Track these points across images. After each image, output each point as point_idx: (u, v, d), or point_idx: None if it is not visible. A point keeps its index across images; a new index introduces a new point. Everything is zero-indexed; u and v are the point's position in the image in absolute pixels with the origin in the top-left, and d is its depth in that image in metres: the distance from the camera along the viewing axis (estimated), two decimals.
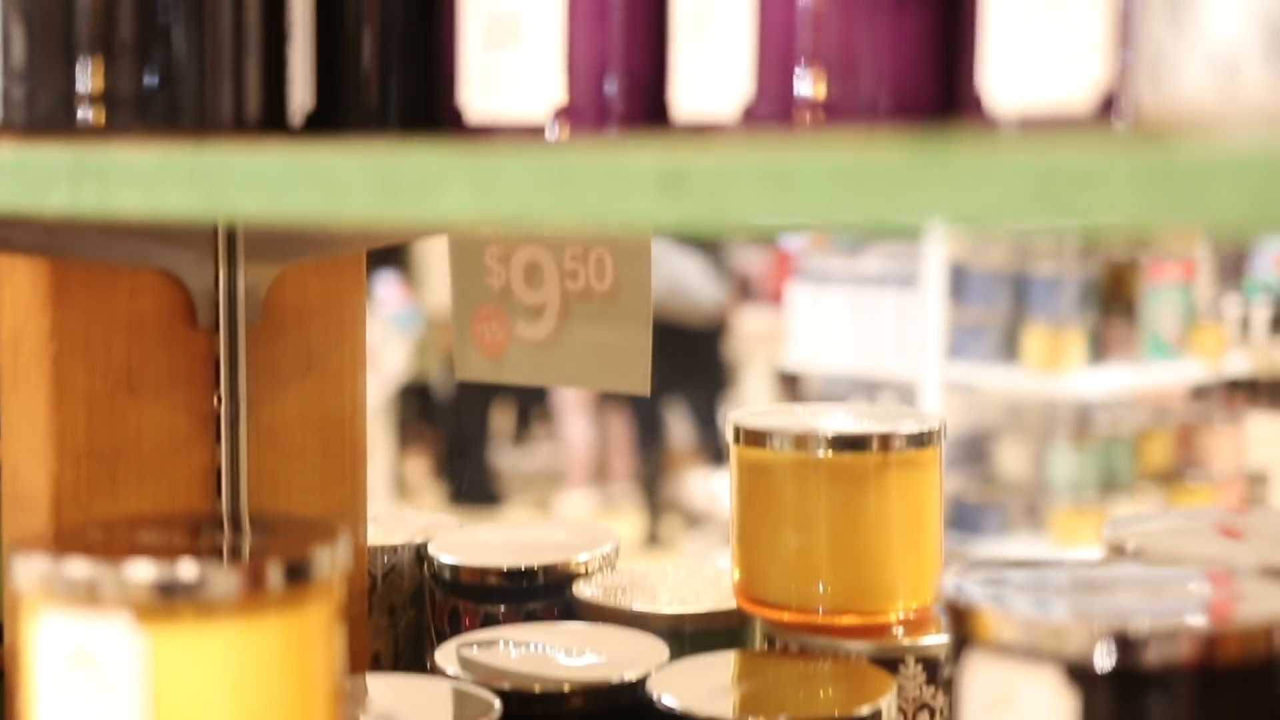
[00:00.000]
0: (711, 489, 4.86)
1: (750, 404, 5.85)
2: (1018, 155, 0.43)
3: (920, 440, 1.03)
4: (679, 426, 6.52)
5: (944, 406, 4.03)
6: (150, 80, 0.70)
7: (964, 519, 4.01)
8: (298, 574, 0.67)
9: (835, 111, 0.67)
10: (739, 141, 0.66)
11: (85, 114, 0.68)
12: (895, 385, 4.17)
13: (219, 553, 0.69)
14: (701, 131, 0.69)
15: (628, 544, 6.41)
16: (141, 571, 0.65)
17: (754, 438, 1.04)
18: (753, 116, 0.67)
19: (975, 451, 4.19)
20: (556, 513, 6.90)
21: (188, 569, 0.65)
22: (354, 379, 1.11)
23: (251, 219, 0.61)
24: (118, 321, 0.96)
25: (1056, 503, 4.08)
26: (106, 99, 0.69)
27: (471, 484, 6.75)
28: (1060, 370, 3.85)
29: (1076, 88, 0.59)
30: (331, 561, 0.69)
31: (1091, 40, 0.58)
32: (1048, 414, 4.16)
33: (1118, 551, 0.74)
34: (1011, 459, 4.17)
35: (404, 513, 1.30)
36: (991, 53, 0.62)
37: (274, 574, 0.67)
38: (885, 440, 1.02)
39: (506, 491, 7.01)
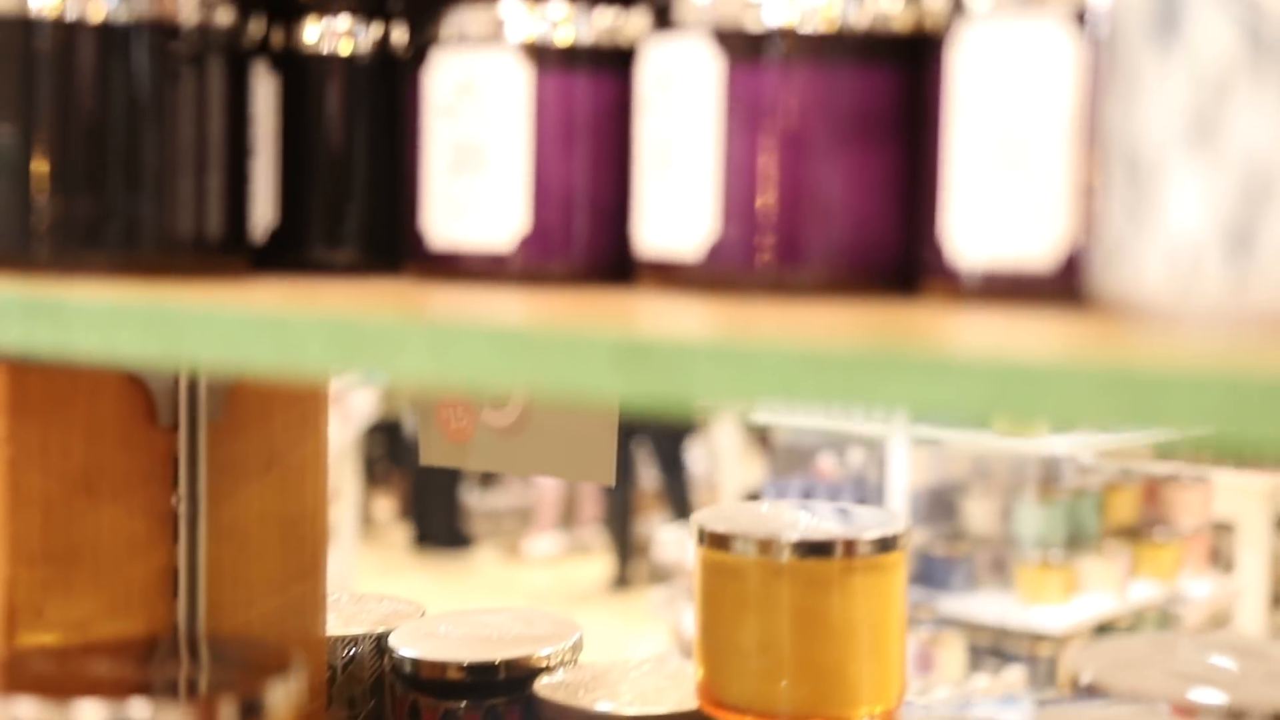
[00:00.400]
0: (679, 540, 4.85)
1: (720, 453, 5.85)
2: (979, 354, 0.43)
3: (884, 545, 1.03)
4: (648, 469, 6.51)
5: (912, 460, 4.04)
6: (108, 205, 0.70)
7: (931, 574, 4.01)
8: (251, 712, 0.67)
9: (796, 253, 0.66)
10: (701, 291, 0.66)
11: (41, 245, 0.67)
12: (864, 439, 4.17)
13: (172, 687, 0.68)
14: (664, 272, 0.69)
15: (596, 586, 6.44)
16: (91, 714, 0.64)
17: (718, 541, 1.03)
18: (717, 254, 0.67)
19: (942, 506, 4.20)
20: (525, 555, 6.88)
21: (139, 709, 0.64)
22: (315, 474, 1.10)
23: (209, 367, 0.60)
24: (76, 423, 0.95)
25: (1023, 558, 4.08)
26: (64, 227, 0.68)
27: (439, 525, 6.73)
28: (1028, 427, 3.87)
29: (1039, 246, 0.59)
30: (286, 695, 0.68)
31: (1054, 200, 0.58)
32: (1015, 468, 4.17)
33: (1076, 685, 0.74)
34: (979, 513, 4.18)
35: (365, 600, 1.29)
36: (953, 205, 0.62)
37: (227, 712, 0.66)
38: (849, 545, 1.02)
39: (475, 533, 6.99)
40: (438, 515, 6.74)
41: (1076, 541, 4.14)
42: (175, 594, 1.00)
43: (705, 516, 1.07)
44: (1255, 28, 0.42)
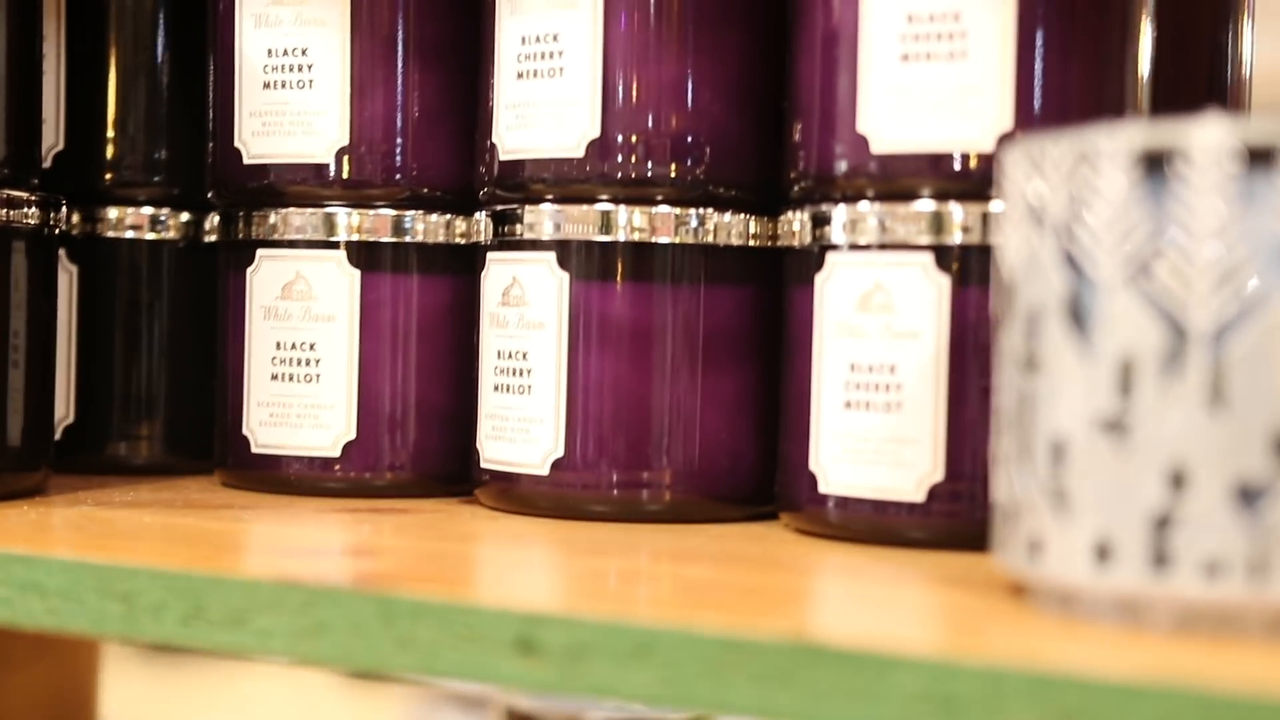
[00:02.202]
0: None
1: None
2: (889, 674, 0.42)
3: None
4: None
5: None
6: None
7: None
8: None
9: (645, 473, 0.64)
10: (545, 509, 0.63)
11: None
12: None
13: None
14: (505, 486, 0.66)
15: None
16: None
17: None
18: (561, 472, 0.64)
19: None
20: None
21: None
22: (90, 656, 1.03)
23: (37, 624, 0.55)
24: None
25: None
26: None
27: None
28: None
29: (907, 480, 0.58)
30: None
31: (924, 437, 0.57)
32: None
33: None
34: None
35: None
36: (821, 431, 0.61)
37: None
38: None
39: None
40: None
41: None
42: None
43: None
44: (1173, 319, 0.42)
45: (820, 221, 0.61)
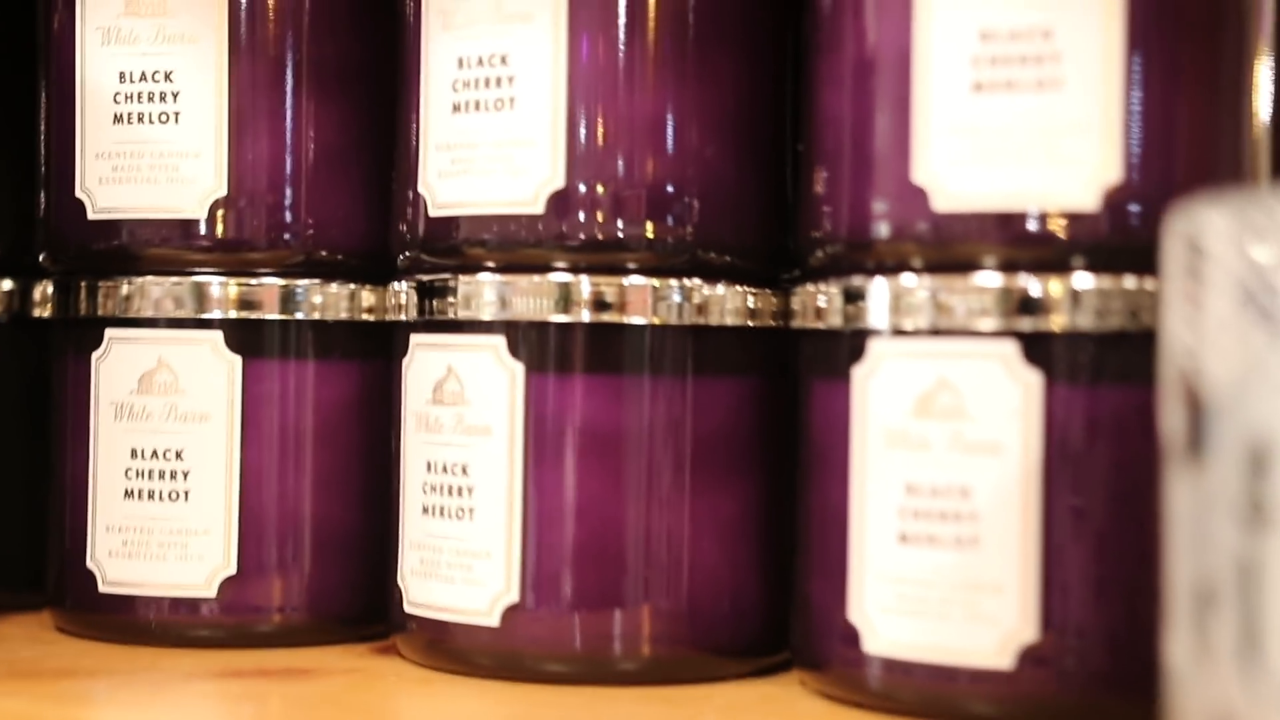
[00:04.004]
0: None
1: None
2: None
3: None
4: None
5: None
6: None
7: None
8: None
9: (621, 618, 0.50)
10: (488, 668, 0.48)
11: None
12: None
13: None
14: (438, 639, 0.51)
15: None
16: None
17: None
18: (512, 622, 0.50)
19: None
20: None
21: None
22: None
23: None
24: None
25: None
26: None
27: None
28: None
29: (986, 640, 0.45)
30: None
31: (1009, 583, 0.44)
32: None
33: None
34: None
35: None
36: (865, 571, 0.47)
37: None
38: None
39: None
40: None
41: None
42: None
43: None
44: None
45: (854, 297, 0.47)
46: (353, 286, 0.56)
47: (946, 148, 0.45)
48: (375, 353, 0.56)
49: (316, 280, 0.56)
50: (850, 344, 0.47)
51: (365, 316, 0.56)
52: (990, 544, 0.44)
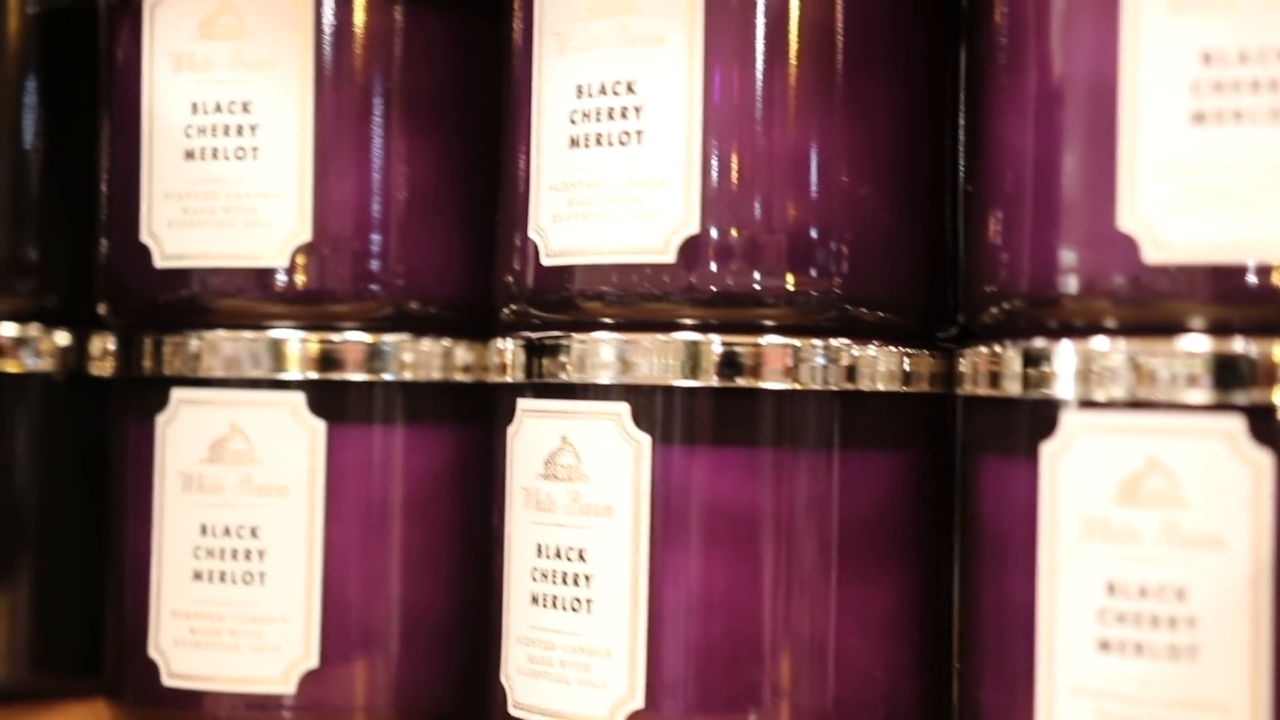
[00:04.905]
0: None
1: None
2: None
3: None
4: None
5: None
6: None
7: None
8: None
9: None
10: None
11: None
12: None
13: None
14: None
15: None
16: None
17: None
18: None
19: None
20: None
21: None
22: None
23: None
24: None
25: None
26: None
27: None
28: None
29: None
30: None
31: (1238, 700, 0.38)
32: None
33: None
34: None
35: None
36: (1055, 683, 0.40)
37: None
38: None
39: None
40: None
41: None
42: None
43: None
44: None
45: (1036, 360, 0.41)
46: (447, 343, 0.50)
47: (1160, 190, 0.38)
48: (472, 417, 0.50)
49: (406, 335, 0.50)
50: (1032, 415, 0.41)
51: (461, 377, 0.50)
52: (1211, 655, 0.37)
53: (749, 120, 0.43)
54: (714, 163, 0.43)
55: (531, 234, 0.46)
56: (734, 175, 0.43)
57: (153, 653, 0.49)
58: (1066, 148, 0.40)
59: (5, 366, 0.54)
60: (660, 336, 0.44)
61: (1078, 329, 0.40)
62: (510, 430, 0.46)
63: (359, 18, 0.49)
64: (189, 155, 0.49)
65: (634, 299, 0.44)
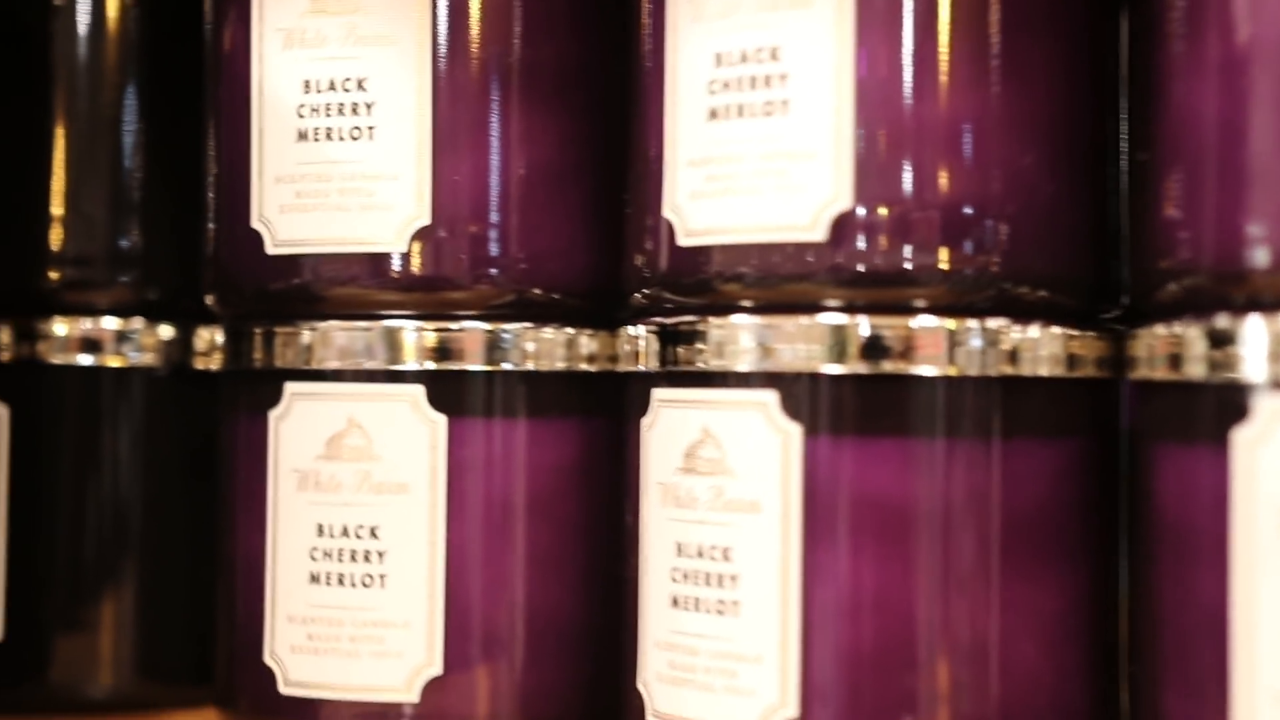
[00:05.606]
0: None
1: None
2: None
3: None
4: None
5: None
6: None
7: None
8: None
9: None
10: None
11: None
12: None
13: None
14: None
15: None
16: None
17: None
18: None
19: None
20: None
21: None
22: None
23: None
24: None
25: None
26: None
27: None
28: None
29: None
30: None
31: None
32: None
33: None
34: None
35: None
36: (1254, 692, 0.37)
37: None
38: None
39: None
40: None
41: None
42: None
43: None
44: None
45: (1222, 340, 0.38)
46: (571, 331, 0.47)
47: None
48: (598, 409, 0.47)
49: (528, 324, 0.47)
50: (1220, 400, 0.37)
51: (585, 366, 0.47)
52: None
53: (903, 87, 0.40)
54: (866, 133, 0.40)
55: (667, 213, 0.43)
56: (888, 146, 0.40)
57: (268, 659, 0.47)
58: (1254, 112, 0.37)
59: (107, 362, 0.52)
60: (805, 320, 0.41)
61: (1266, 305, 0.37)
62: (644, 422, 0.44)
63: None
64: (301, 136, 0.46)
65: (776, 280, 0.41)
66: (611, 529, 0.46)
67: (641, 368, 0.44)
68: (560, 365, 0.47)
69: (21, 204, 0.52)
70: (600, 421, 0.47)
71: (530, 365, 0.47)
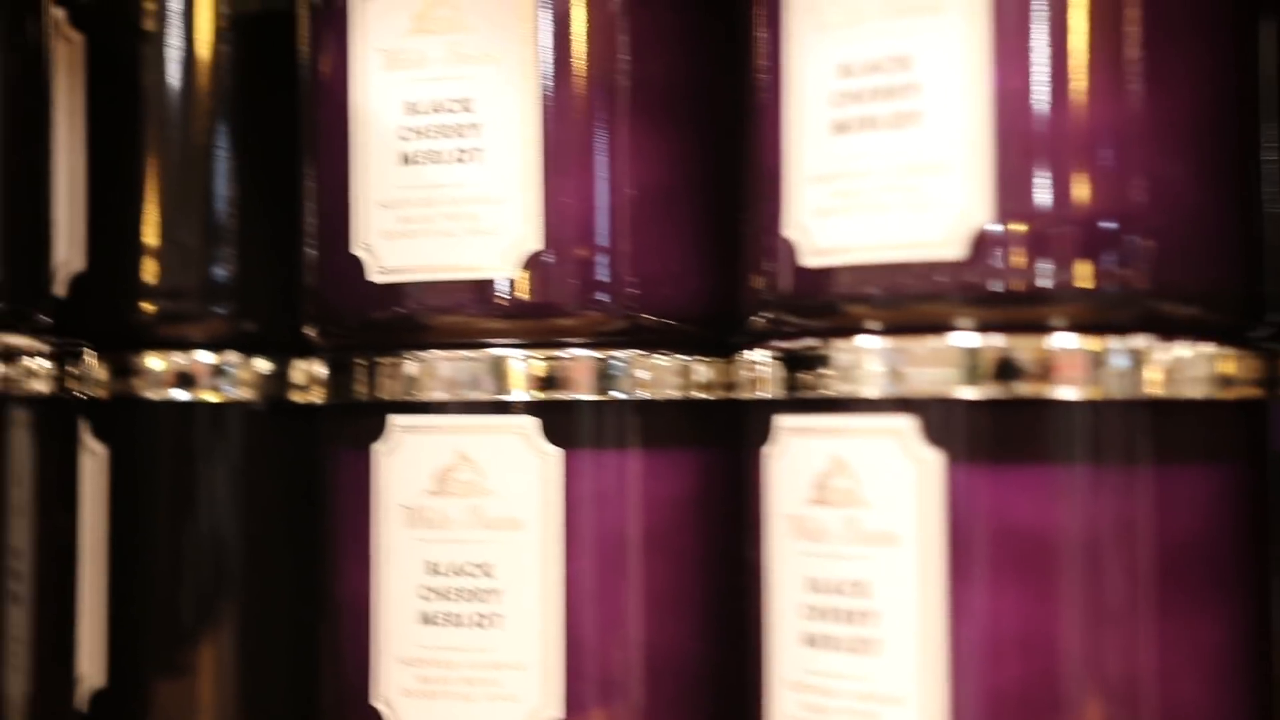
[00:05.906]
0: None
1: None
2: None
3: None
4: None
5: None
6: None
7: None
8: None
9: None
10: None
11: None
12: None
13: None
14: None
15: None
16: None
17: None
18: None
19: None
20: None
21: None
22: None
23: None
24: None
25: None
26: None
27: None
28: None
29: None
30: None
31: None
32: None
33: None
34: None
35: None
36: None
37: None
38: None
39: None
40: None
41: None
42: None
43: None
44: None
45: None
46: (684, 358, 0.45)
47: None
48: (714, 439, 0.45)
49: (639, 351, 0.45)
50: None
51: (700, 394, 0.46)
52: None
53: (1042, 96, 0.38)
54: (1004, 144, 0.38)
55: (789, 232, 0.41)
56: (1026, 158, 0.38)
57: (377, 703, 0.45)
58: None
59: (203, 396, 0.51)
60: (937, 342, 0.39)
61: None
62: (768, 451, 0.42)
63: (586, 4, 0.44)
64: (404, 159, 0.44)
65: (905, 300, 0.39)
66: (730, 564, 0.44)
67: (762, 394, 0.42)
68: (674, 393, 0.45)
69: (113, 236, 0.51)
70: (716, 451, 0.45)
71: (642, 394, 0.45)
